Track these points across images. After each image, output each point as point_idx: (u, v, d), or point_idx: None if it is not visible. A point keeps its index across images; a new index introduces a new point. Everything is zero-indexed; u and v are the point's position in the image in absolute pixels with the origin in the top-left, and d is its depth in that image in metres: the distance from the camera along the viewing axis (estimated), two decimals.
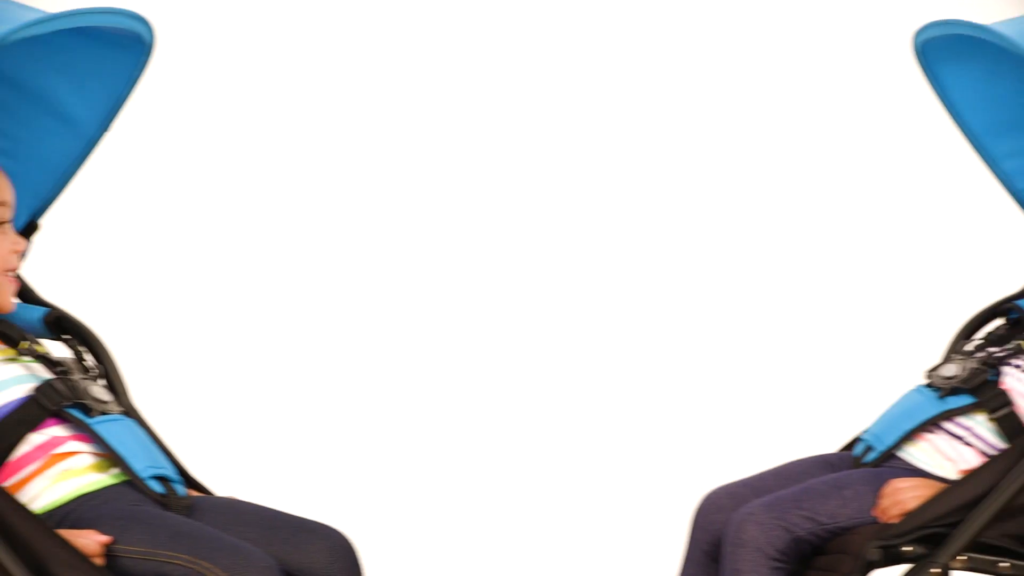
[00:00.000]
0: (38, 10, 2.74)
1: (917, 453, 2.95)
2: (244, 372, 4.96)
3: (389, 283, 5.07)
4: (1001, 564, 2.80)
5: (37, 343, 2.86)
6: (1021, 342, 2.98)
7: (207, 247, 5.07)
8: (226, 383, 4.93)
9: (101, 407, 2.81)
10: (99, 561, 2.64)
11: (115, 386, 2.95)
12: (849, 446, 3.15)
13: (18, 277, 2.91)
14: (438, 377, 4.97)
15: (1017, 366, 2.96)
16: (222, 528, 2.76)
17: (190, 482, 2.96)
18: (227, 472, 3.54)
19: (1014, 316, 3.09)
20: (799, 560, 2.89)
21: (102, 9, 2.76)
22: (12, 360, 2.79)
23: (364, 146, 5.11)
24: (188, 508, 2.80)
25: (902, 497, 2.84)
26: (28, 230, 3.01)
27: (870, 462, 2.98)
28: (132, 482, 2.77)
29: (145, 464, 2.79)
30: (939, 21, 3.05)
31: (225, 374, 4.94)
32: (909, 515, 2.81)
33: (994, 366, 2.97)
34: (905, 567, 2.83)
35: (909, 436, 2.95)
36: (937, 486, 2.85)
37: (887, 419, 3.02)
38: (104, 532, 2.66)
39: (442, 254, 5.08)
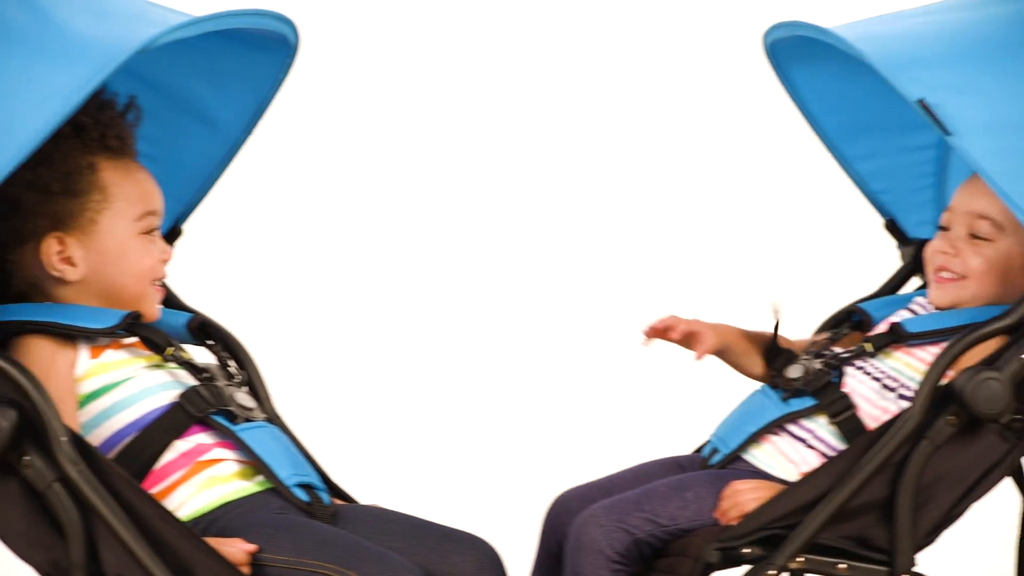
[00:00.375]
0: (182, 12, 2.72)
1: (760, 455, 2.95)
2: (386, 382, 4.98)
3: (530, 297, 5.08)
4: (839, 566, 2.80)
5: (182, 349, 2.85)
6: (865, 344, 2.96)
7: (351, 250, 5.10)
8: (369, 392, 4.95)
9: (245, 414, 2.80)
10: (246, 570, 2.63)
11: (258, 393, 2.94)
12: (701, 448, 3.13)
13: (164, 285, 2.90)
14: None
15: (860, 367, 2.95)
16: (367, 537, 2.73)
17: (334, 490, 2.94)
18: (371, 480, 3.53)
19: (856, 319, 3.08)
20: (640, 562, 2.88)
21: (248, 11, 2.74)
22: (158, 366, 2.78)
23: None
24: (333, 516, 2.78)
25: (741, 499, 2.84)
26: (171, 235, 3.01)
27: (715, 464, 2.98)
28: (277, 490, 2.75)
29: (290, 472, 2.78)
30: (785, 23, 3.00)
31: (368, 383, 4.96)
32: (748, 517, 2.81)
33: (837, 367, 2.96)
34: (745, 568, 2.81)
35: (753, 438, 2.95)
36: (776, 488, 2.85)
37: (732, 421, 3.02)
38: (250, 540, 2.65)
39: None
